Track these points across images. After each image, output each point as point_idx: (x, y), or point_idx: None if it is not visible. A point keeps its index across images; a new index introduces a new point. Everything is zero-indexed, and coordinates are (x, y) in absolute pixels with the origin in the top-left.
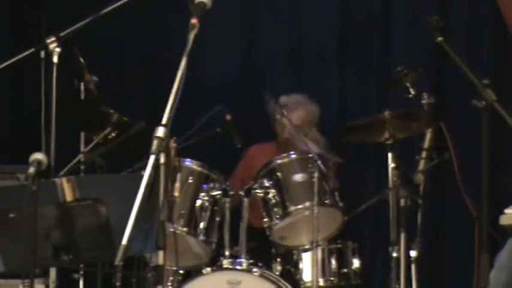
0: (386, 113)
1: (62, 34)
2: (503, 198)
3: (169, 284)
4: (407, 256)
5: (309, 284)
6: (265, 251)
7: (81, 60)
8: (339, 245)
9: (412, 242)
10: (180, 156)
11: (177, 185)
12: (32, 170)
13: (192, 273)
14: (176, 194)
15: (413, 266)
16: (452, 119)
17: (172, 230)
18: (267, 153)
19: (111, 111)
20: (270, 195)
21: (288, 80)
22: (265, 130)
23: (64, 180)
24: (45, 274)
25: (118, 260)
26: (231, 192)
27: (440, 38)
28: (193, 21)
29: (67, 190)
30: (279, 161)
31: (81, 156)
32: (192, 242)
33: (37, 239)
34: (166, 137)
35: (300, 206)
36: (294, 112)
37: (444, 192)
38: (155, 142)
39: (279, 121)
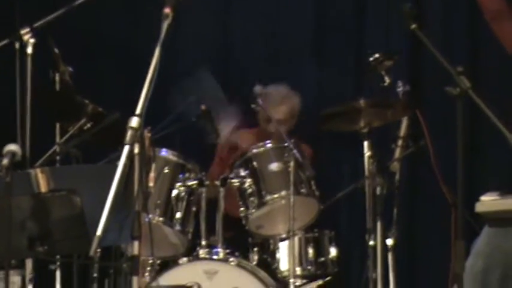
0: (362, 102)
1: (36, 25)
2: (479, 185)
3: (146, 274)
4: (384, 244)
5: (286, 273)
6: (241, 240)
7: (56, 50)
8: (316, 234)
9: (388, 230)
10: (155, 146)
11: (152, 175)
12: (5, 161)
13: (169, 263)
14: (151, 184)
15: (390, 254)
16: (427, 106)
17: (147, 220)
18: (246, 138)
19: (86, 101)
20: (246, 185)
21: (264, 69)
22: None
23: (38, 171)
24: (21, 265)
25: (92, 251)
26: (207, 182)
27: (413, 26)
28: (167, 10)
29: (41, 181)
30: (255, 151)
31: (56, 147)
32: (168, 232)
33: (12, 230)
34: (140, 127)
35: (276, 195)
36: (280, 106)
37: (420, 180)
38: (129, 132)
39: (262, 113)
